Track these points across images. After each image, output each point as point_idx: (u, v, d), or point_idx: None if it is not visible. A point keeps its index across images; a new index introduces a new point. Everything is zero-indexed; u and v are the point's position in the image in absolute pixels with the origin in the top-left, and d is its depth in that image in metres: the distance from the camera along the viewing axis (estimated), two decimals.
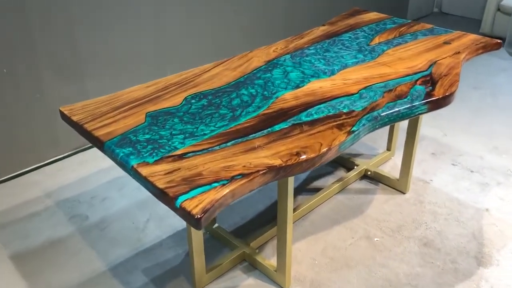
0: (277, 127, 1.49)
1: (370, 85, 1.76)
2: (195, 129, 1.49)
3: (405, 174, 2.31)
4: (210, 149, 1.39)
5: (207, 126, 1.51)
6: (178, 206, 1.16)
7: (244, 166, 1.29)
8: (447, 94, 1.70)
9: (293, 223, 2.14)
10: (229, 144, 1.41)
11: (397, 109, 1.60)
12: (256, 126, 1.50)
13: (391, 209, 2.24)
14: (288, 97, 1.69)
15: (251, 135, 1.45)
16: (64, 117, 1.61)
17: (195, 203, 1.15)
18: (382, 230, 2.11)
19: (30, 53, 2.32)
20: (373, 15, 2.57)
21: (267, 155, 1.35)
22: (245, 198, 2.31)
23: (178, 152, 1.37)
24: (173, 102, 1.66)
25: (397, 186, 2.36)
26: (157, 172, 1.28)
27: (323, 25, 2.44)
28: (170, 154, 1.37)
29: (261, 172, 1.27)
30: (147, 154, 1.37)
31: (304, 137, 1.44)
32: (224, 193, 1.19)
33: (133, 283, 1.85)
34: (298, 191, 2.37)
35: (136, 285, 1.85)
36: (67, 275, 1.89)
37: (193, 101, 1.67)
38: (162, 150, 1.38)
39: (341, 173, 2.51)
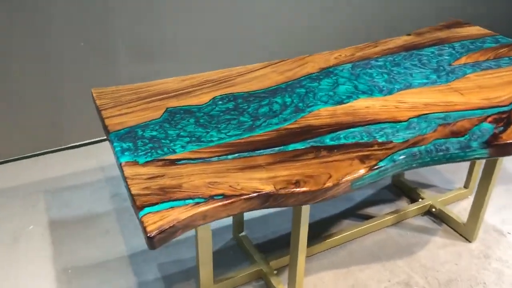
0: (291, 147, 1.32)
1: (426, 114, 1.49)
2: (204, 134, 1.37)
3: (474, 219, 1.96)
4: (207, 159, 1.26)
5: (218, 132, 1.38)
6: (139, 218, 1.06)
7: (230, 186, 1.15)
8: None
9: (328, 249, 1.94)
10: (229, 157, 1.27)
11: (444, 149, 1.32)
12: (270, 142, 1.34)
13: (447, 257, 1.92)
14: (323, 113, 1.49)
15: (258, 151, 1.30)
16: (93, 99, 1.60)
17: (156, 219, 1.05)
18: (427, 280, 1.81)
19: (107, 30, 2.37)
20: (474, 30, 2.20)
21: (262, 177, 1.19)
22: (283, 211, 2.15)
23: (173, 156, 1.27)
24: (199, 101, 1.55)
25: (463, 231, 2.02)
26: (140, 174, 1.20)
27: (408, 34, 2.14)
28: (164, 157, 1.27)
29: (245, 197, 1.12)
30: (143, 152, 1.29)
31: (315, 163, 1.25)
32: (193, 213, 1.07)
33: (145, 275, 1.82)
34: (345, 214, 2.15)
35: (147, 278, 1.81)
36: (90, 253, 1.92)
37: (220, 102, 1.55)
38: (159, 152, 1.29)
39: (402, 203, 2.22)
